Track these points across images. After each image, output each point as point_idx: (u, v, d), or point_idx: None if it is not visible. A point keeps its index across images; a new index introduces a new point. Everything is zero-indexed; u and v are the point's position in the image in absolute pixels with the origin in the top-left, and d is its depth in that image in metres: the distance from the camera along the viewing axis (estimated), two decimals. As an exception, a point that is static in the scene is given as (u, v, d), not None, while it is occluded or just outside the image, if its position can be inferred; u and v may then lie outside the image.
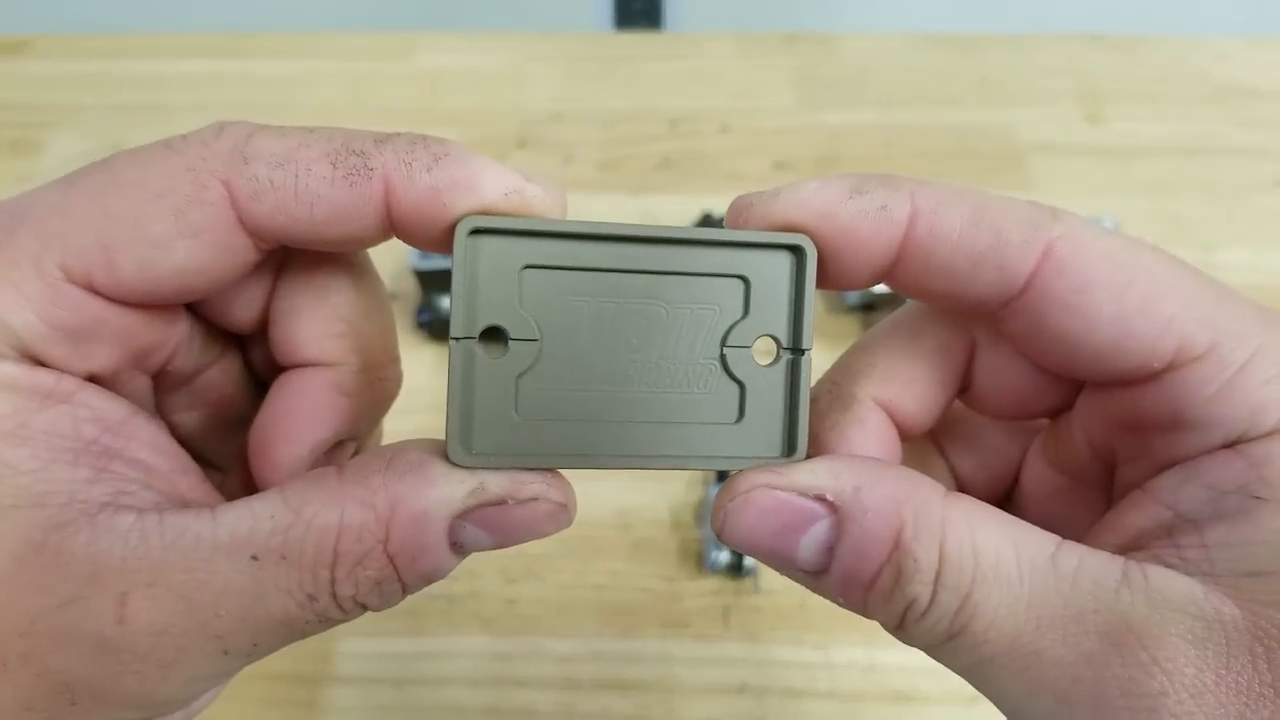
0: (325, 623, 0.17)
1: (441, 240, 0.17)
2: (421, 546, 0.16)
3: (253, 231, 0.17)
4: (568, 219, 0.17)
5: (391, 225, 0.17)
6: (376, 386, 0.19)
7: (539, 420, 0.17)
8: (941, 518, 0.16)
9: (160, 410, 0.20)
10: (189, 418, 0.21)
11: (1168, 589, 0.15)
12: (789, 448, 0.18)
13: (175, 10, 0.78)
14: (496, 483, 0.17)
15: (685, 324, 0.18)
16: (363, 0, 0.79)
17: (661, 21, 0.80)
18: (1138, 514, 0.17)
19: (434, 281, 0.46)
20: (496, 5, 0.80)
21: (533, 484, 0.17)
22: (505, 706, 0.38)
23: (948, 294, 0.17)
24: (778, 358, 0.18)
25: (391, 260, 0.51)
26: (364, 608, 0.17)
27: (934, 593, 0.16)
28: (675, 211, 0.53)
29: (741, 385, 0.18)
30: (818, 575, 0.17)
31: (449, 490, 0.16)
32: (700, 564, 0.41)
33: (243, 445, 0.20)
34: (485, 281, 0.17)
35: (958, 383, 0.19)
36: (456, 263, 0.16)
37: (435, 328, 0.47)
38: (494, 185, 0.17)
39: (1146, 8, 0.74)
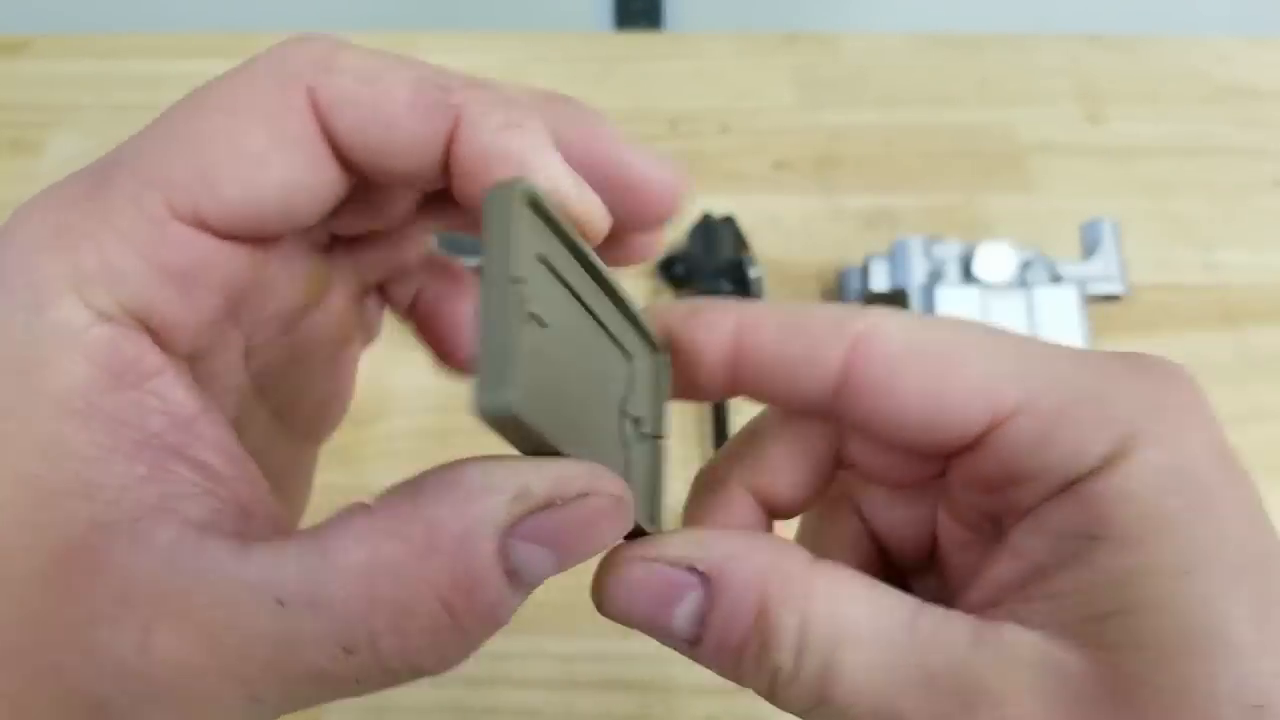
0: (373, 682, 0.15)
1: (474, 202, 0.16)
2: (473, 577, 0.14)
3: (335, 147, 0.16)
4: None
5: (443, 160, 0.16)
6: None
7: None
8: (805, 586, 0.16)
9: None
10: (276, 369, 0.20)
11: (1017, 644, 0.16)
12: (650, 520, 0.18)
13: (175, 10, 0.78)
14: (539, 482, 0.15)
15: (620, 374, 0.18)
16: (365, 1, 0.79)
17: (661, 21, 0.80)
18: (999, 568, 0.17)
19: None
20: (497, 5, 0.80)
21: (577, 477, 0.15)
22: (505, 706, 0.38)
23: (785, 395, 0.18)
24: (643, 437, 0.19)
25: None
26: (418, 668, 0.15)
27: (797, 659, 0.16)
28: (675, 211, 0.53)
29: (626, 450, 0.19)
30: (694, 645, 0.17)
31: (489, 501, 0.14)
32: (700, 564, 0.41)
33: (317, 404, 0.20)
34: (519, 245, 0.15)
35: (829, 465, 0.20)
36: (501, 214, 0.15)
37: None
38: (547, 176, 0.16)
39: (1146, 8, 0.74)
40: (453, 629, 0.14)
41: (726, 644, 0.17)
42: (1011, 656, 0.15)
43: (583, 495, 0.15)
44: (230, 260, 0.16)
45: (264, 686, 0.14)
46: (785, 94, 0.61)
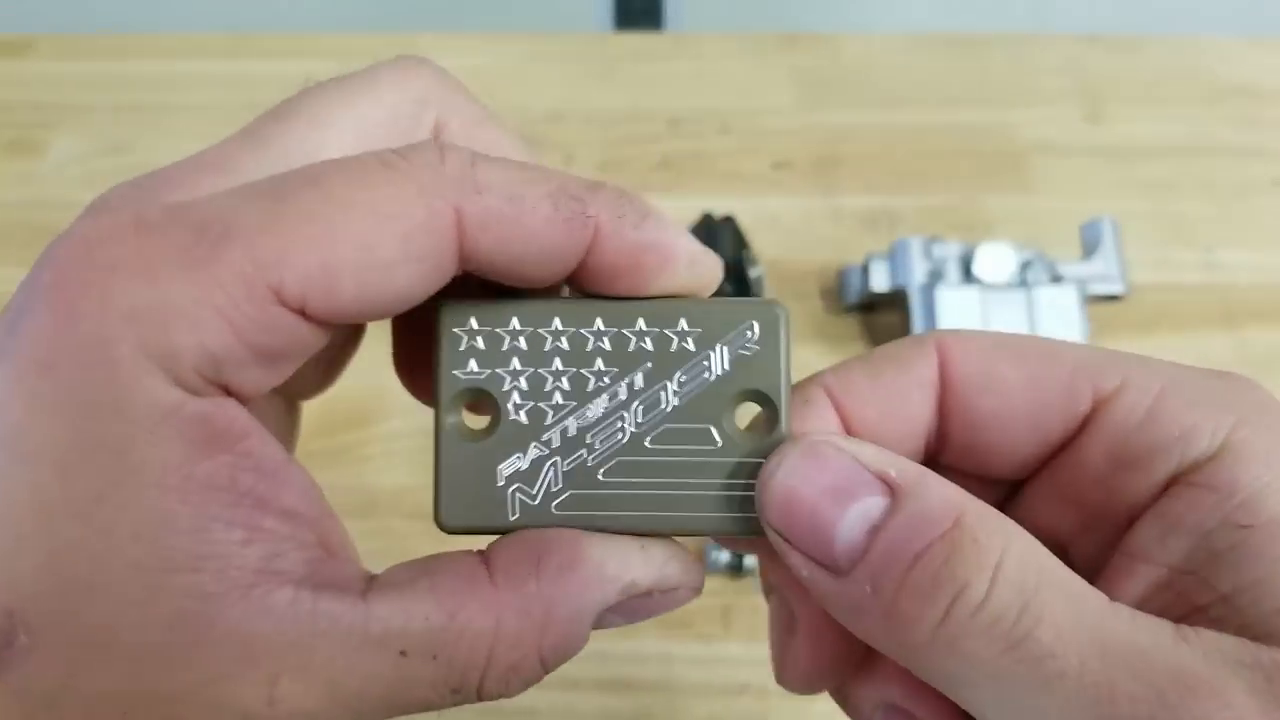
0: (459, 705, 0.17)
1: (622, 292, 0.17)
2: (571, 644, 0.17)
3: (466, 259, 0.16)
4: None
5: (583, 268, 0.17)
6: None
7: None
8: (1004, 522, 0.16)
9: None
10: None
11: (1221, 642, 0.15)
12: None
13: (179, 11, 0.78)
14: (645, 576, 0.17)
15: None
16: (365, 1, 0.79)
17: (662, 22, 0.80)
18: (1128, 581, 0.16)
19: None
20: (497, 6, 0.80)
21: (675, 575, 0.17)
22: (506, 707, 0.38)
23: (894, 427, 0.18)
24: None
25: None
26: (503, 697, 0.17)
27: (991, 582, 0.15)
28: (676, 211, 0.53)
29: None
30: (849, 565, 0.16)
31: (603, 591, 0.17)
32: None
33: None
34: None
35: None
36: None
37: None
38: (685, 252, 0.17)
39: (1146, 8, 0.74)
40: (542, 673, 0.17)
41: (901, 553, 0.15)
42: (1223, 655, 0.14)
43: (675, 589, 0.17)
44: (316, 338, 0.16)
45: (372, 716, 0.16)
46: (785, 94, 0.61)
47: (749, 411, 0.18)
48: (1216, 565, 0.16)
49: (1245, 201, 0.54)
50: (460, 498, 0.18)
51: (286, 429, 0.22)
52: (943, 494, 0.16)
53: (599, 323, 0.18)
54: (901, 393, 0.18)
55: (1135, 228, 0.51)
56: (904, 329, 0.45)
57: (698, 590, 0.18)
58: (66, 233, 0.15)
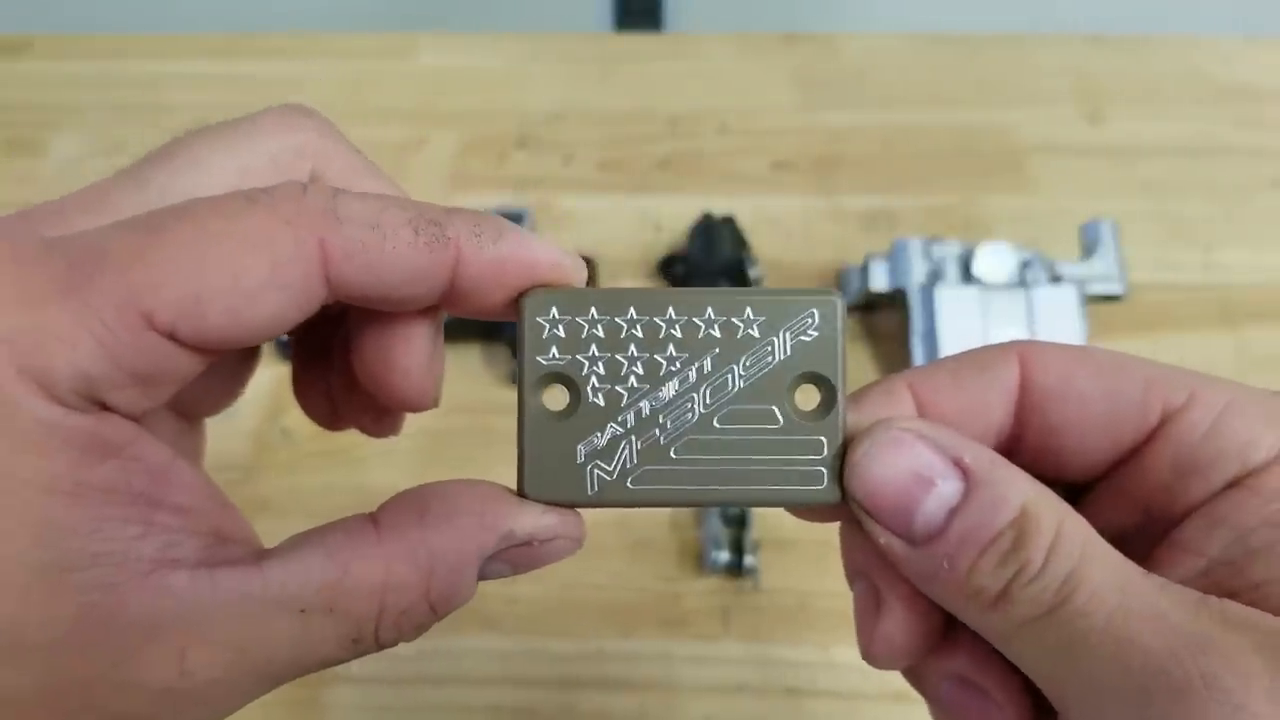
0: (362, 656, 0.18)
1: (495, 307, 0.19)
2: (457, 589, 0.18)
3: (333, 287, 0.17)
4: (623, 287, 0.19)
5: (451, 289, 0.18)
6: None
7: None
8: (1061, 504, 0.18)
9: None
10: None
11: (1239, 611, 0.16)
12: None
13: (176, 11, 0.78)
14: (522, 527, 0.18)
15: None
16: (363, 1, 0.79)
17: (661, 22, 0.80)
18: (1170, 569, 0.18)
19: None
20: (497, 6, 0.80)
21: (551, 527, 0.19)
22: (506, 705, 0.38)
23: (975, 427, 0.20)
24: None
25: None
26: (400, 643, 0.18)
27: (1047, 558, 0.17)
28: (675, 211, 0.53)
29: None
30: (926, 540, 0.18)
31: (483, 538, 0.18)
32: (700, 564, 0.41)
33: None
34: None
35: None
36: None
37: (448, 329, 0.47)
38: (545, 259, 0.19)
39: (1146, 8, 0.74)
40: (433, 619, 0.18)
41: (978, 535, 0.17)
42: (1237, 620, 0.16)
43: (554, 538, 0.19)
44: (192, 362, 0.17)
45: (282, 678, 0.17)
46: (785, 94, 0.61)
47: (807, 392, 0.19)
48: (1252, 559, 0.17)
49: (1245, 202, 0.54)
50: (543, 473, 0.19)
51: (191, 444, 0.23)
52: (1011, 480, 0.18)
53: (671, 311, 0.19)
54: (981, 394, 0.19)
55: (1135, 228, 0.51)
56: (903, 329, 0.45)
57: (578, 541, 0.19)
58: None
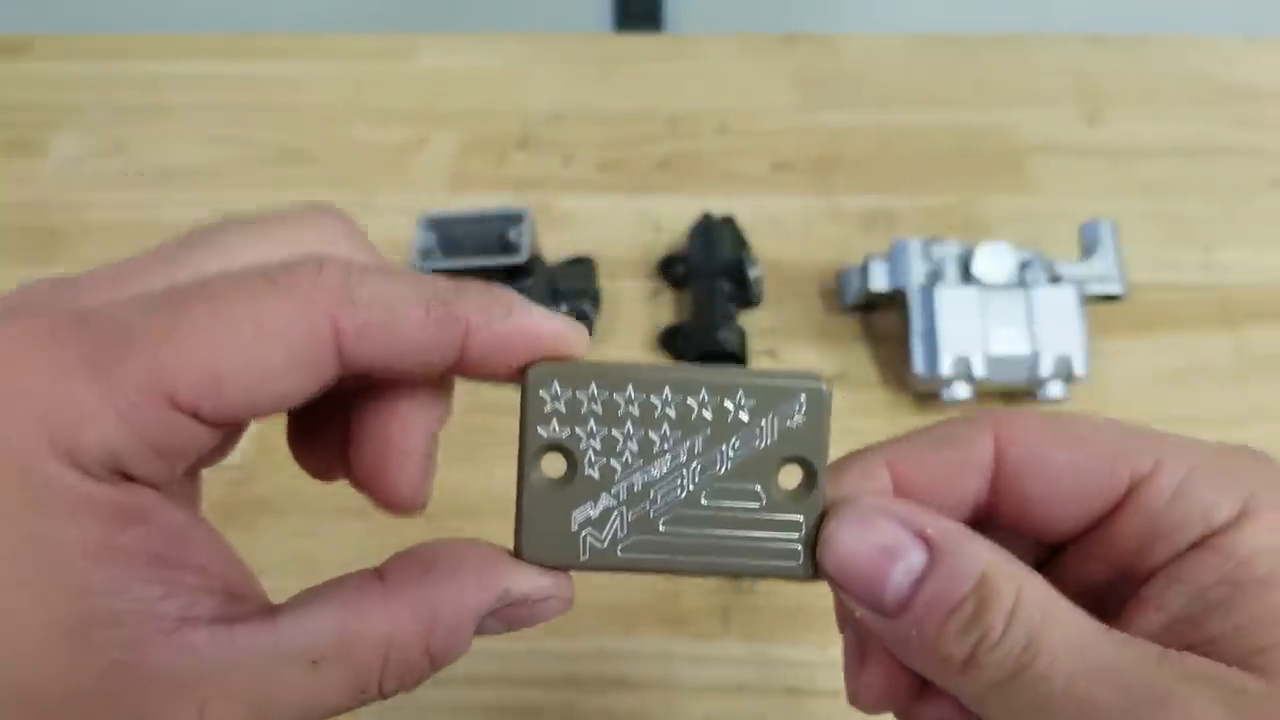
0: (366, 704, 0.19)
1: (501, 377, 0.20)
2: (456, 644, 0.19)
3: (346, 363, 0.18)
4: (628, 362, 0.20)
5: (460, 360, 0.19)
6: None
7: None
8: (1019, 568, 0.19)
9: None
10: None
11: (1201, 665, 0.18)
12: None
13: (176, 11, 0.78)
14: (518, 587, 0.20)
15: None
16: (364, 1, 0.79)
17: (661, 23, 0.80)
18: (1137, 624, 0.19)
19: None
20: (498, 7, 0.80)
21: (545, 588, 0.20)
22: (508, 705, 0.38)
23: (950, 499, 0.21)
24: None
25: (394, 258, 0.51)
26: (399, 693, 0.20)
27: (1007, 624, 0.18)
28: (675, 211, 0.54)
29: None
30: (897, 610, 0.19)
31: (481, 597, 0.19)
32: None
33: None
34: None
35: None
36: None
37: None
38: (550, 332, 0.19)
39: (1145, 8, 0.74)
40: (432, 670, 0.20)
41: (941, 604, 0.18)
42: (1197, 673, 0.17)
43: (547, 599, 0.20)
44: (210, 436, 0.18)
45: None
46: (784, 95, 0.61)
47: (790, 471, 0.20)
48: (1210, 613, 0.18)
49: (1244, 202, 0.54)
50: (539, 537, 0.20)
51: (190, 494, 0.24)
52: (972, 549, 0.19)
53: (667, 391, 0.20)
54: (956, 468, 0.21)
55: (1134, 228, 0.51)
56: (903, 329, 0.45)
57: (568, 602, 0.21)
58: None
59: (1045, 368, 0.43)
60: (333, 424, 0.22)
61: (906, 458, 0.21)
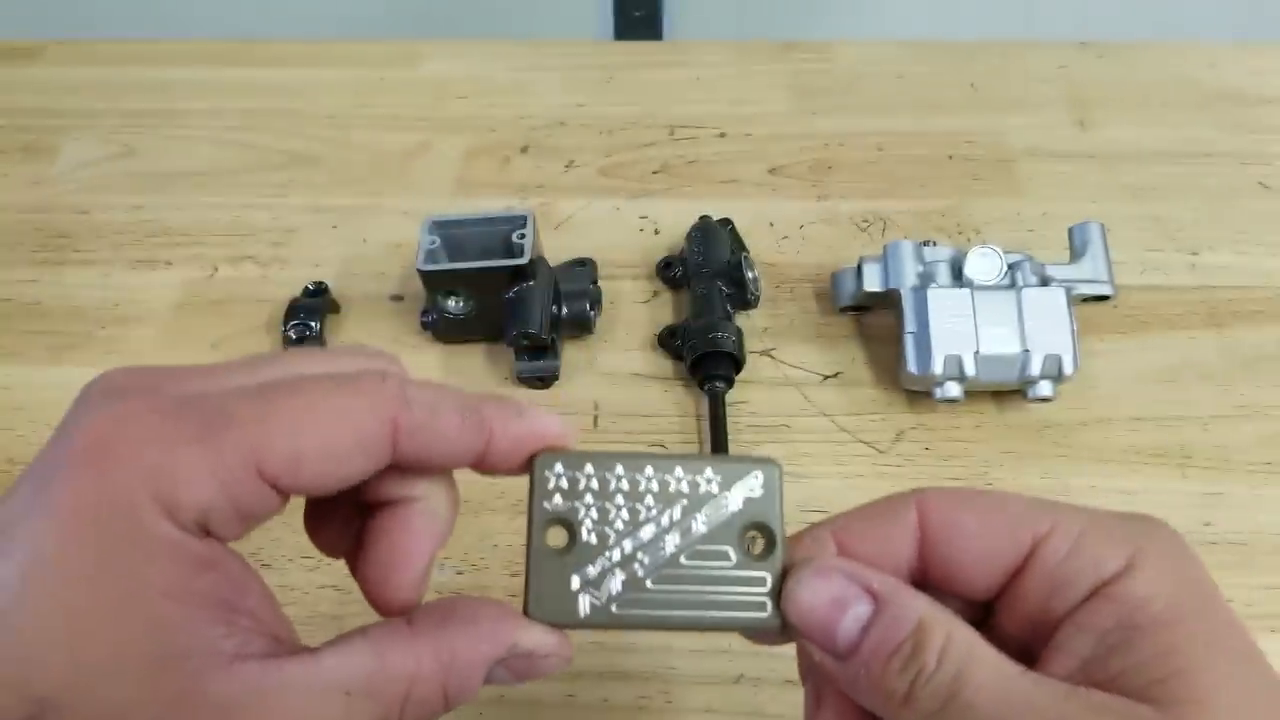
0: None
1: (513, 466, 0.24)
2: (469, 686, 0.22)
3: (398, 454, 0.22)
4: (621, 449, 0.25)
5: (484, 455, 0.23)
6: (455, 492, 0.25)
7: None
8: (949, 616, 0.22)
9: None
10: None
11: (1104, 699, 0.20)
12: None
13: (185, 18, 0.79)
14: (526, 642, 0.23)
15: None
16: (369, 9, 0.80)
17: (661, 31, 0.81)
18: (1053, 668, 0.22)
19: (439, 282, 0.47)
20: (501, 15, 0.81)
21: (549, 644, 0.23)
22: (509, 697, 0.39)
23: (887, 563, 0.24)
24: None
25: (399, 261, 0.52)
26: None
27: (939, 662, 0.21)
28: (674, 214, 0.54)
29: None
30: (849, 651, 0.22)
31: (493, 647, 0.23)
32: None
33: None
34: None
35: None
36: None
37: (440, 328, 0.48)
38: (552, 431, 0.24)
39: (1135, 14, 0.75)
40: (445, 709, 0.22)
41: (885, 646, 0.22)
42: (1101, 706, 0.20)
43: (549, 655, 0.23)
44: (280, 503, 0.22)
45: None
46: (780, 101, 0.62)
47: (755, 536, 0.24)
48: (1110, 654, 0.21)
49: (1232, 204, 0.55)
50: (544, 598, 0.23)
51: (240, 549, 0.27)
52: (910, 600, 0.22)
53: (649, 469, 0.24)
54: (889, 537, 0.24)
55: (1123, 230, 0.52)
56: (896, 329, 0.46)
57: (567, 660, 0.24)
58: (90, 409, 0.21)
59: (1035, 367, 0.44)
60: (344, 515, 0.25)
61: (847, 529, 0.24)
